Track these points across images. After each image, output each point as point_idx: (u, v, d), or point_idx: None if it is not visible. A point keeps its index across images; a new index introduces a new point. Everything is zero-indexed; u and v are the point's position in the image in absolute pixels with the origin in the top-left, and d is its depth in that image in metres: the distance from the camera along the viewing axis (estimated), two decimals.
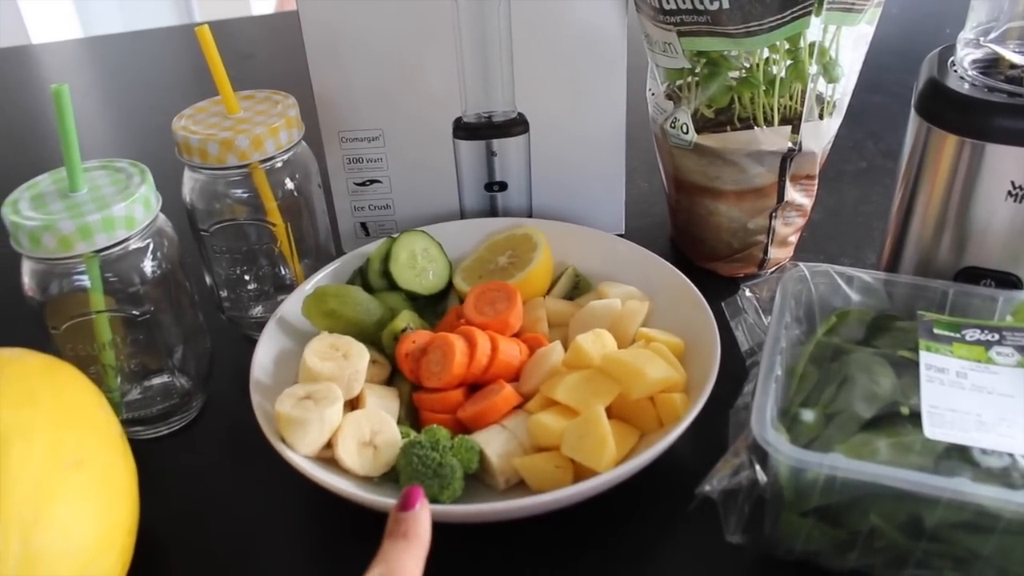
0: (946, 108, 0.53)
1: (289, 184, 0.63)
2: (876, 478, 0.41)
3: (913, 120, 0.56)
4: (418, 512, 0.36)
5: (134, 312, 0.55)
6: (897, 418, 0.45)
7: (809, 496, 0.44)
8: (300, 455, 0.50)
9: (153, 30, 1.47)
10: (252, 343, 0.58)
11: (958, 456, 0.43)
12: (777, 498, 0.45)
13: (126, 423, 0.58)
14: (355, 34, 0.66)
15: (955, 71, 0.54)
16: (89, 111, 1.17)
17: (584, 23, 0.66)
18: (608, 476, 0.47)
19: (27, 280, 0.54)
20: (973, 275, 0.55)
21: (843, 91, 0.64)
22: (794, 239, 0.72)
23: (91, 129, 1.12)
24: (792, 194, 0.66)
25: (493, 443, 0.51)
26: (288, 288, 0.66)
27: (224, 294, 0.67)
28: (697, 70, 0.64)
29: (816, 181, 0.68)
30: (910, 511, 0.42)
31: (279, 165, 0.62)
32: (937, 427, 0.44)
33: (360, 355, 0.54)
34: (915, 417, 0.45)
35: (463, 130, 0.71)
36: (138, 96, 1.22)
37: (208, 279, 0.66)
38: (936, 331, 0.50)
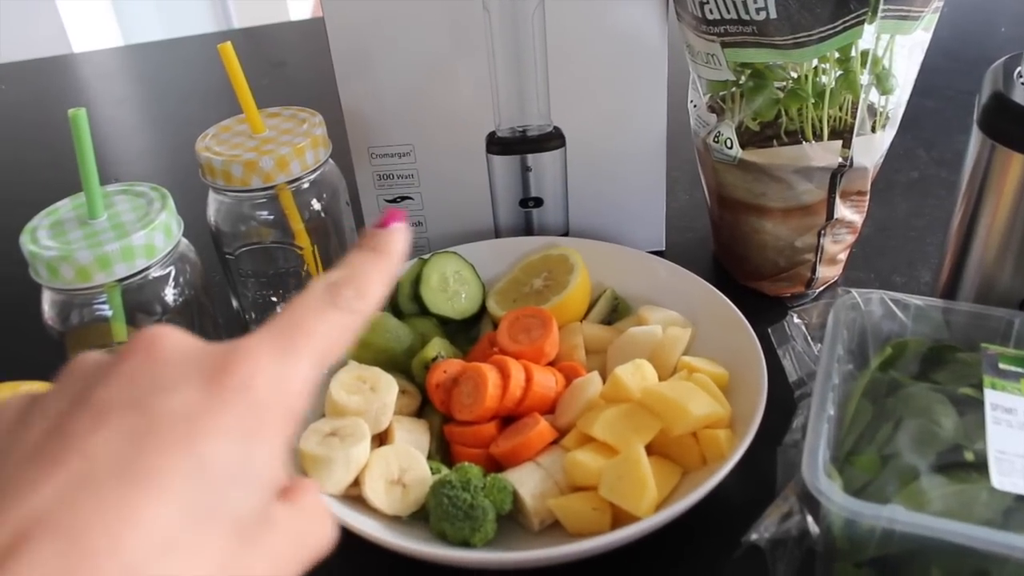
0: (1013, 125, 0.49)
1: (316, 205, 0.61)
2: (938, 533, 0.38)
3: (976, 136, 0.52)
4: (393, 230, 0.34)
5: None
6: (961, 464, 0.42)
7: (865, 547, 0.41)
8: (326, 494, 0.48)
9: (190, 37, 1.46)
10: None
11: None
12: (830, 549, 0.42)
13: None
14: (384, 48, 0.64)
15: (1022, 83, 0.50)
16: (125, 121, 1.17)
17: (622, 33, 0.64)
18: (648, 522, 0.44)
19: (47, 310, 0.52)
20: None
21: (897, 102, 0.61)
22: (843, 256, 0.68)
23: (126, 140, 1.11)
24: (842, 211, 0.63)
25: (527, 482, 0.49)
26: None
27: (252, 316, 0.65)
28: (741, 82, 0.61)
29: (867, 196, 0.64)
30: (976, 567, 0.39)
31: (306, 186, 0.60)
32: (1006, 476, 0.40)
33: (388, 388, 0.52)
34: (981, 463, 0.41)
35: (497, 145, 0.68)
36: (173, 105, 1.21)
37: (235, 302, 0.65)
38: (1002, 366, 0.46)
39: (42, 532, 0.22)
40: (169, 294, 0.53)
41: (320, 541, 0.29)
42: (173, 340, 0.27)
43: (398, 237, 0.33)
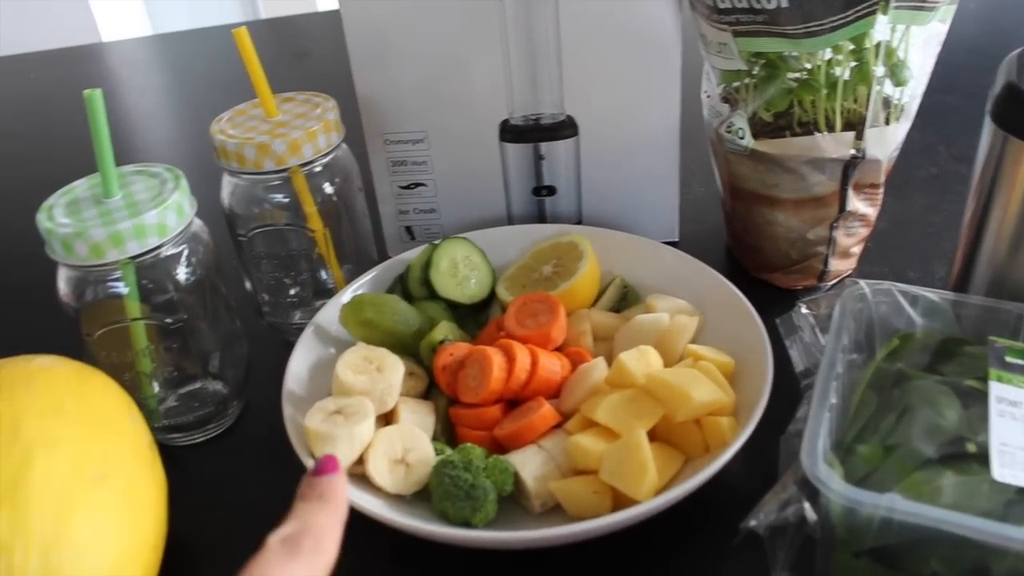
0: None
1: (328, 188, 0.62)
2: (937, 523, 0.38)
3: (988, 128, 0.52)
4: (333, 477, 0.35)
5: (167, 320, 0.54)
6: (963, 455, 0.42)
7: (863, 536, 0.41)
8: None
9: (216, 27, 1.47)
10: (292, 349, 0.57)
11: None
12: (828, 538, 0.42)
13: (163, 430, 0.58)
14: (399, 34, 0.64)
15: None
16: (150, 108, 1.19)
17: (636, 22, 0.64)
18: (648, 506, 0.44)
19: (62, 286, 0.53)
20: None
21: (912, 94, 0.60)
22: (857, 250, 0.68)
23: (150, 126, 1.13)
24: (855, 203, 0.63)
25: (529, 464, 0.49)
26: (330, 293, 0.64)
27: (265, 298, 0.66)
28: (754, 72, 0.61)
29: (881, 189, 0.64)
30: (975, 559, 0.39)
31: (318, 169, 0.60)
32: (1007, 468, 0.40)
33: (394, 368, 0.53)
34: (983, 455, 0.41)
35: (510, 132, 0.69)
36: (198, 93, 1.23)
37: (248, 284, 0.65)
38: (1008, 359, 0.46)
39: None
40: (181, 273, 0.54)
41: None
42: None
43: (340, 483, 0.34)
